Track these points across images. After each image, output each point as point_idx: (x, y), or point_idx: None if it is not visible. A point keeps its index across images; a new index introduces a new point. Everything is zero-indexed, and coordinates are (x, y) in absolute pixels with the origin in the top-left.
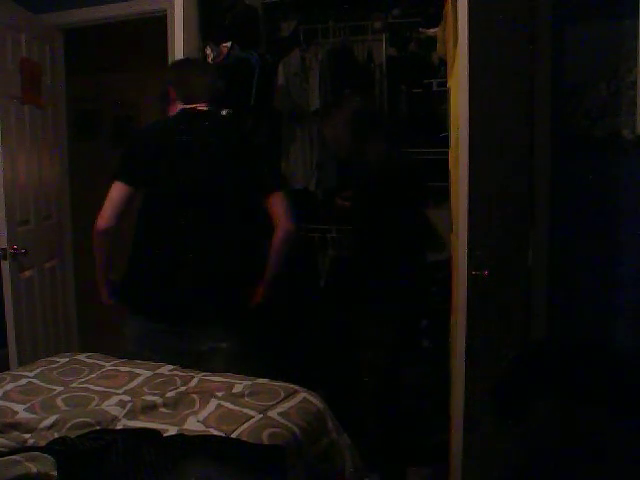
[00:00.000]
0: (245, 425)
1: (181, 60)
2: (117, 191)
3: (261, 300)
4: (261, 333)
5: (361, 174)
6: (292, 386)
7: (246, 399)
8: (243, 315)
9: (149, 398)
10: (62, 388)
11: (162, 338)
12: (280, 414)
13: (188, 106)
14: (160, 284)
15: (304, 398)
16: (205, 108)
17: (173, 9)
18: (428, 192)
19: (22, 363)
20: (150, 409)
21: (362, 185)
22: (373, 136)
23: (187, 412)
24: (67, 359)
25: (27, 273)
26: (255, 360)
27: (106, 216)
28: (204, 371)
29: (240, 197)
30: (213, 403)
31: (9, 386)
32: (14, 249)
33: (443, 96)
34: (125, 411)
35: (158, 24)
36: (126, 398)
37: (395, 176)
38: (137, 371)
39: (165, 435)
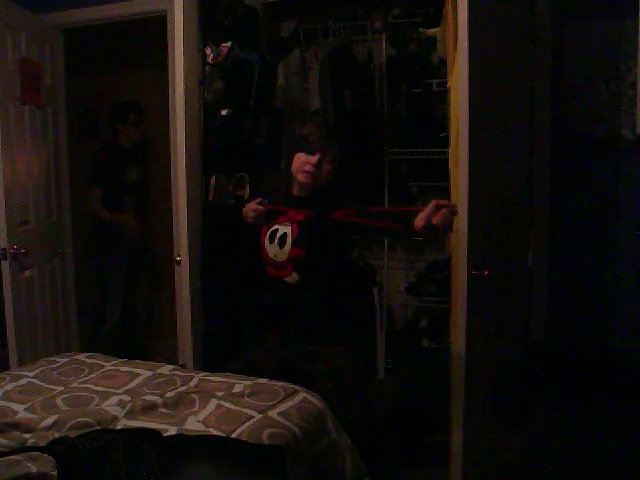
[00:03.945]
0: (245, 425)
1: None
2: None
3: None
4: None
5: None
6: (292, 386)
7: (246, 399)
8: None
9: (149, 398)
10: (62, 388)
11: None
12: (280, 414)
13: None
14: None
15: (304, 398)
16: None
17: (173, 9)
18: None
19: (22, 363)
20: (150, 409)
21: None
22: None
23: (187, 412)
24: (67, 359)
25: (27, 273)
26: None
27: None
28: None
29: None
30: (213, 403)
31: (9, 386)
32: (14, 249)
33: (443, 96)
34: (125, 411)
35: (158, 24)
36: (126, 398)
37: None
38: (137, 371)
39: (165, 435)
